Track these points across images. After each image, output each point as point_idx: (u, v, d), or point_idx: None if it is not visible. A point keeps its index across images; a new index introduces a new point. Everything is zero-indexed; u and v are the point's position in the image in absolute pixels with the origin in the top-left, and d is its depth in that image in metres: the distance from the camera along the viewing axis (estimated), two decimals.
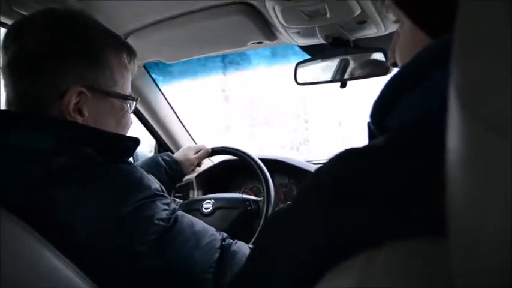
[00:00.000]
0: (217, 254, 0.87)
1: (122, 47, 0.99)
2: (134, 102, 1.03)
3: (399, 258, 0.33)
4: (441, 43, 0.47)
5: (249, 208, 1.54)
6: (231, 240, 0.93)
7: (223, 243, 0.90)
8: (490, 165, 0.21)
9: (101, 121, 0.94)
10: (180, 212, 0.89)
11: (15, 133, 0.85)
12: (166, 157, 1.51)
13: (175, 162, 1.52)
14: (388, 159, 0.41)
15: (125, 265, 0.80)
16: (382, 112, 0.51)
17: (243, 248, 0.93)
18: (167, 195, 0.91)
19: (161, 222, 0.83)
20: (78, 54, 0.90)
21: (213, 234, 0.91)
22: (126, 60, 0.99)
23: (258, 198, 1.59)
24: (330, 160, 0.46)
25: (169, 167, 1.48)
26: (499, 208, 0.20)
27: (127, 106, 1.01)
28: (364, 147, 0.46)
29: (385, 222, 0.36)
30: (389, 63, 0.72)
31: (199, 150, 1.63)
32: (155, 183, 0.89)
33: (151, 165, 1.46)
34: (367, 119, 0.55)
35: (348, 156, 0.45)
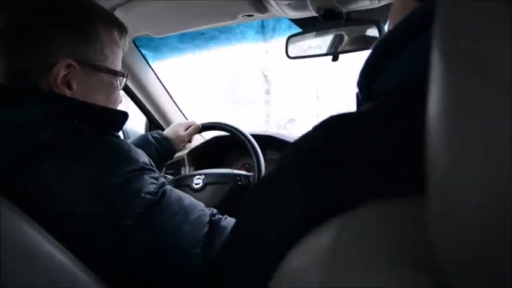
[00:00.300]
0: (206, 229, 0.87)
1: (113, 23, 0.98)
2: (124, 79, 1.03)
3: (375, 219, 0.32)
4: (428, 5, 0.45)
5: (239, 183, 1.53)
6: (220, 216, 0.93)
7: (213, 218, 0.90)
8: (471, 111, 0.20)
9: (89, 95, 0.93)
10: (168, 187, 0.89)
11: (4, 106, 0.84)
12: (156, 134, 1.50)
13: (165, 139, 1.50)
14: (373, 122, 0.40)
15: (112, 239, 0.80)
16: (369, 78, 0.49)
17: (232, 222, 0.92)
18: (155, 169, 0.91)
19: (148, 196, 0.83)
20: (68, 27, 0.90)
21: (202, 209, 0.91)
22: (117, 37, 0.99)
23: (249, 173, 1.59)
24: (313, 127, 0.45)
25: (159, 144, 1.46)
26: (479, 156, 0.20)
27: (117, 82, 1.00)
28: (348, 113, 0.45)
29: (364, 186, 0.35)
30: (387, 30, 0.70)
31: (190, 127, 1.61)
32: (143, 157, 0.90)
33: (141, 143, 1.44)
34: (355, 88, 0.53)
35: (328, 124, 0.44)
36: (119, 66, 1.01)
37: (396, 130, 0.37)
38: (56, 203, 0.79)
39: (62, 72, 0.88)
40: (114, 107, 1.01)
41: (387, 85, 0.47)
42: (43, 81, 0.88)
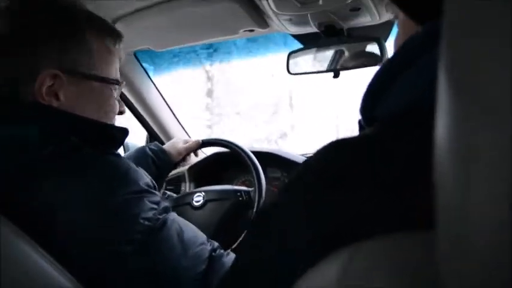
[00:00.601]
0: (204, 266, 0.85)
1: (104, 30, 0.96)
2: (118, 87, 0.99)
3: (381, 253, 0.32)
4: (428, 28, 0.46)
5: (240, 199, 1.52)
6: (222, 251, 0.90)
7: (213, 253, 0.88)
8: (479, 146, 0.20)
9: (79, 106, 0.90)
10: (171, 216, 0.86)
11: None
12: (153, 147, 1.48)
13: (163, 151, 1.48)
14: (376, 146, 0.41)
15: (110, 263, 0.78)
16: (371, 103, 0.50)
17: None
18: (156, 192, 0.88)
19: (147, 222, 0.80)
20: (54, 36, 0.87)
21: (203, 243, 0.88)
22: (110, 43, 0.96)
23: (249, 189, 1.58)
24: (315, 153, 0.46)
25: (156, 157, 1.44)
26: (487, 189, 0.20)
27: (110, 91, 0.96)
28: (351, 137, 0.45)
29: (369, 215, 0.35)
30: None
31: (189, 142, 1.60)
32: (144, 178, 0.87)
33: (138, 155, 1.43)
34: (358, 114, 0.54)
35: (331, 148, 0.45)
36: (112, 74, 0.97)
37: (398, 154, 0.38)
38: (55, 222, 0.77)
39: (47, 83, 0.86)
40: (108, 117, 0.97)
41: (389, 108, 0.47)
42: (28, 91, 0.86)
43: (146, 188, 0.85)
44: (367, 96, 0.50)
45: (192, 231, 0.89)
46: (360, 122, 0.54)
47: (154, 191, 0.87)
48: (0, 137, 0.82)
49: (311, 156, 0.46)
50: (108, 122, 0.97)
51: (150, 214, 0.81)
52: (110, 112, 0.98)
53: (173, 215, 0.88)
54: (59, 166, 0.81)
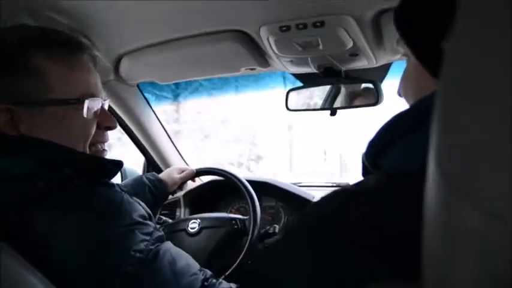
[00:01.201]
0: None
1: (57, 46, 0.88)
2: (86, 102, 0.90)
3: None
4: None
5: (235, 227, 1.52)
6: (214, 281, 0.90)
7: (205, 283, 0.87)
8: (463, 235, 0.22)
9: (46, 134, 0.86)
10: (164, 246, 0.86)
11: None
12: (150, 176, 1.51)
13: (160, 181, 1.51)
14: (380, 206, 0.43)
15: None
16: (377, 152, 0.52)
17: None
18: (150, 223, 0.87)
19: (138, 254, 0.80)
20: None
21: (195, 273, 0.88)
22: (67, 59, 0.89)
23: (244, 217, 1.59)
24: (321, 200, 0.48)
25: (153, 186, 1.47)
26: (469, 273, 0.22)
27: (75, 110, 0.89)
28: (356, 189, 0.47)
29: (373, 267, 0.38)
30: (396, 93, 0.72)
31: (184, 171, 1.63)
32: (138, 210, 0.86)
33: (135, 184, 1.45)
34: (363, 154, 0.56)
35: (339, 199, 0.47)
36: (77, 91, 0.89)
37: (396, 214, 0.40)
38: (50, 251, 0.77)
39: (4, 118, 0.84)
40: (82, 140, 0.92)
41: (391, 164, 0.50)
42: None
43: (139, 219, 0.84)
44: (372, 146, 0.53)
45: (185, 261, 0.88)
46: (362, 159, 0.56)
47: (147, 222, 0.86)
48: None
49: (318, 203, 0.48)
50: (85, 144, 0.92)
51: (142, 246, 0.81)
52: (84, 134, 0.92)
53: (166, 245, 0.87)
54: (53, 198, 0.80)
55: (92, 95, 0.92)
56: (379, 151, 0.52)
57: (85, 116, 0.90)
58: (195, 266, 0.90)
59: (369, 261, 0.38)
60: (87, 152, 0.93)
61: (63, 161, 0.85)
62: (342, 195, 0.47)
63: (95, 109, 0.94)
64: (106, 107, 0.99)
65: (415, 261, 0.32)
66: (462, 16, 0.25)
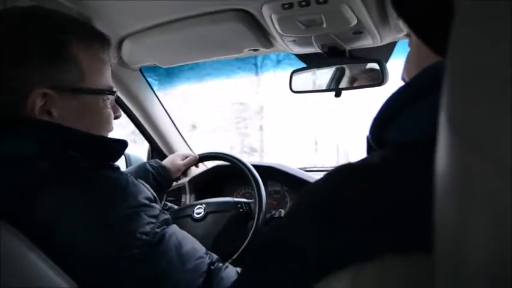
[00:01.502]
0: (202, 279, 0.85)
1: (92, 39, 0.93)
2: (112, 96, 0.98)
3: (388, 272, 0.34)
4: (439, 66, 0.47)
5: (241, 210, 1.53)
6: (221, 264, 0.90)
7: (212, 267, 0.88)
8: (476, 192, 0.21)
9: (73, 121, 0.89)
10: (170, 229, 0.86)
11: None
12: (153, 163, 1.51)
13: (163, 168, 1.52)
14: (383, 178, 0.42)
15: (109, 277, 0.78)
16: (381, 127, 0.52)
17: (232, 273, 0.90)
18: (156, 205, 0.87)
19: (144, 236, 0.80)
20: (37, 55, 0.86)
21: (201, 256, 0.88)
22: (99, 52, 0.94)
23: (249, 200, 1.59)
24: (324, 176, 0.47)
25: (157, 173, 1.48)
26: (482, 232, 0.21)
27: (102, 102, 0.95)
28: (359, 164, 0.47)
29: (376, 241, 0.37)
30: (401, 78, 0.71)
31: (187, 157, 1.64)
32: (143, 192, 0.86)
33: (139, 171, 1.45)
34: (366, 133, 0.56)
35: (342, 175, 0.46)
36: (104, 83, 0.95)
37: (404, 186, 0.39)
38: (55, 233, 0.77)
39: (39, 103, 0.85)
40: (104, 129, 0.97)
41: (397, 136, 0.49)
42: (22, 111, 0.85)
43: (145, 202, 0.84)
44: (376, 122, 0.52)
45: (191, 244, 0.88)
46: (367, 139, 0.56)
47: (153, 204, 0.86)
48: (1, 150, 0.83)
49: (320, 179, 0.47)
50: (104, 133, 0.97)
51: (147, 228, 0.81)
52: (106, 123, 0.97)
53: (172, 228, 0.87)
54: (57, 180, 0.81)
55: (112, 88, 0.98)
56: (383, 126, 0.52)
57: (108, 106, 0.97)
58: (201, 249, 0.90)
59: (371, 237, 0.37)
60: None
61: (68, 141, 0.86)
62: (344, 170, 0.46)
63: (114, 100, 1.00)
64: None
65: (421, 231, 0.32)
66: None
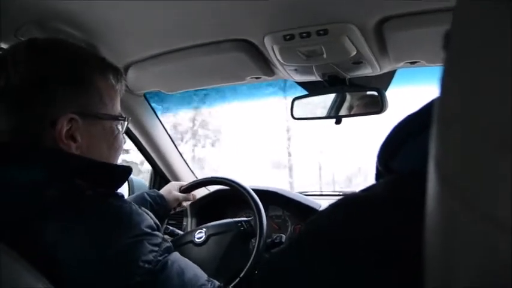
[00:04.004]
0: None
1: (108, 69, 0.98)
2: (125, 123, 1.03)
3: None
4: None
5: (241, 229, 1.51)
6: None
7: None
8: (462, 238, 0.22)
9: (94, 145, 0.93)
10: (172, 257, 0.87)
11: (6, 166, 0.84)
12: (151, 192, 1.53)
13: (161, 196, 1.53)
14: (387, 215, 0.42)
15: None
16: (388, 155, 0.52)
17: None
18: (158, 234, 0.88)
19: (146, 265, 0.81)
20: (64, 82, 0.89)
21: (203, 284, 0.89)
22: (113, 81, 0.99)
23: (250, 218, 1.58)
24: (328, 209, 0.48)
25: (154, 202, 1.49)
26: (466, 276, 0.22)
27: (118, 127, 1.00)
28: (363, 196, 0.47)
29: (381, 278, 0.37)
30: None
31: (182, 186, 1.66)
32: (146, 220, 0.87)
33: (137, 200, 1.46)
34: (375, 159, 0.56)
35: (346, 209, 0.46)
36: (117, 110, 1.01)
37: (408, 221, 0.39)
38: (58, 262, 0.77)
39: (65, 127, 0.87)
40: (117, 153, 1.01)
41: (400, 166, 0.49)
42: (47, 137, 0.87)
43: (147, 230, 0.85)
44: (383, 150, 0.52)
45: (193, 271, 0.89)
46: (376, 166, 0.55)
47: (156, 233, 0.87)
48: (8, 179, 0.83)
49: (325, 212, 0.48)
50: (116, 159, 1.01)
51: (150, 257, 0.82)
52: (119, 149, 1.02)
53: (174, 256, 0.88)
54: (62, 208, 0.81)
55: (122, 114, 1.03)
56: (391, 153, 0.52)
57: (122, 132, 1.02)
58: (203, 276, 0.91)
59: (376, 275, 0.38)
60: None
61: (76, 170, 0.86)
62: (348, 204, 0.47)
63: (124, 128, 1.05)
64: None
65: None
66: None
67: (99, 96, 0.94)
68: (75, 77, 0.91)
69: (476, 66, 0.23)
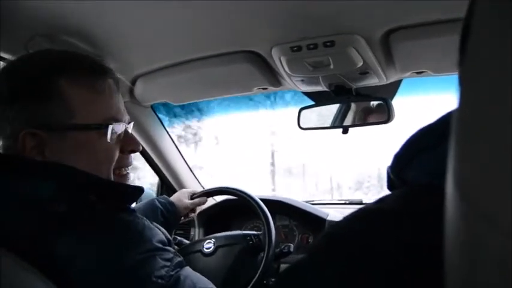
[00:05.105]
0: None
1: (85, 71, 0.90)
2: (109, 127, 0.91)
3: None
4: None
5: (250, 243, 1.51)
6: None
7: None
8: (482, 258, 0.22)
9: (67, 159, 0.86)
10: (184, 272, 0.86)
11: (15, 179, 0.83)
12: (162, 199, 1.51)
13: (171, 203, 1.52)
14: (397, 226, 0.42)
15: None
16: (401, 166, 0.52)
17: None
18: (169, 249, 0.88)
19: (159, 280, 0.80)
20: (22, 95, 0.86)
21: None
22: (94, 84, 0.90)
23: (259, 232, 1.58)
24: (345, 220, 0.47)
25: (165, 209, 1.48)
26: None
27: (98, 135, 0.90)
28: (375, 209, 0.47)
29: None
30: None
31: (193, 194, 1.64)
32: (158, 235, 0.87)
33: (148, 207, 1.46)
34: (388, 167, 0.55)
35: (362, 218, 0.46)
36: (100, 115, 0.90)
37: (421, 235, 0.39)
38: (70, 277, 0.77)
39: (30, 143, 0.85)
40: (103, 167, 0.92)
41: (413, 178, 0.49)
42: (18, 152, 0.86)
43: (159, 245, 0.85)
44: (396, 160, 0.52)
45: (205, 286, 0.89)
46: (388, 172, 0.55)
47: (167, 248, 0.87)
48: (20, 193, 0.83)
49: (343, 222, 0.47)
50: (105, 173, 0.92)
51: (162, 272, 0.81)
52: (104, 160, 0.93)
53: (186, 270, 0.87)
54: (74, 223, 0.81)
55: (116, 120, 0.93)
56: (404, 164, 0.51)
57: (109, 140, 0.91)
58: None
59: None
60: (111, 176, 0.94)
61: (86, 186, 0.85)
62: (363, 215, 0.46)
63: (118, 133, 0.95)
64: (130, 130, 1.00)
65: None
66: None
67: (65, 106, 0.87)
68: (34, 88, 0.86)
69: (498, 75, 0.22)
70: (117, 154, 0.95)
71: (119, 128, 0.94)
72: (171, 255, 0.86)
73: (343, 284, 0.40)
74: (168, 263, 0.84)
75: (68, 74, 0.88)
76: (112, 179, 0.95)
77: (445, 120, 0.49)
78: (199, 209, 1.93)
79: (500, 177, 0.20)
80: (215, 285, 0.95)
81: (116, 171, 0.96)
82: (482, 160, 0.22)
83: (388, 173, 0.55)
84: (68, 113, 0.87)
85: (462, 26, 0.27)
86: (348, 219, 0.47)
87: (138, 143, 1.01)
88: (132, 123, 1.02)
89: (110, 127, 0.91)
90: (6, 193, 0.83)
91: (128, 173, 1.01)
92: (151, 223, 0.90)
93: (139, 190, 0.93)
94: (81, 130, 0.88)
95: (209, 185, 1.73)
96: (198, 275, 0.91)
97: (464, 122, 0.24)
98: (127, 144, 0.98)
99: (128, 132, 0.99)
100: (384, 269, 0.39)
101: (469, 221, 0.23)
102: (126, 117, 0.98)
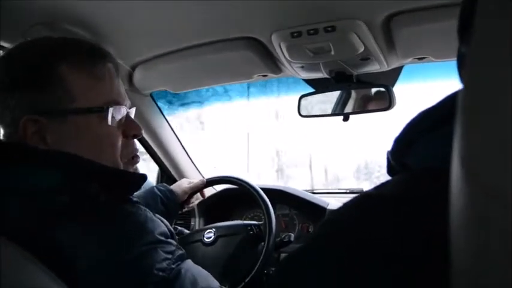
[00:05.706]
0: None
1: (83, 56, 0.90)
2: (110, 110, 0.91)
3: None
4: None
5: (251, 233, 1.52)
6: None
7: None
8: (491, 235, 0.22)
9: (70, 145, 0.86)
10: (185, 265, 0.86)
11: (18, 168, 0.83)
12: (161, 187, 1.51)
13: (171, 191, 1.51)
14: (397, 212, 0.41)
15: None
16: (401, 151, 0.51)
17: None
18: (171, 241, 0.87)
19: (160, 273, 0.80)
20: (21, 84, 0.86)
21: None
22: (93, 68, 0.90)
23: (259, 222, 1.59)
24: (345, 207, 0.47)
25: (165, 197, 1.47)
26: (499, 277, 0.21)
27: (99, 119, 0.90)
28: (375, 194, 0.46)
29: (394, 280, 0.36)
30: None
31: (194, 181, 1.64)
32: (160, 227, 0.87)
33: (147, 196, 1.45)
34: (388, 152, 0.54)
35: (360, 205, 0.46)
36: (101, 99, 0.90)
37: (422, 220, 0.38)
38: (72, 267, 0.77)
39: (31, 129, 0.85)
40: (107, 152, 0.92)
41: (418, 161, 0.48)
42: (19, 140, 0.86)
43: (161, 238, 0.85)
44: (396, 144, 0.51)
45: (205, 280, 0.88)
46: (387, 157, 0.54)
47: (169, 240, 0.87)
48: (22, 180, 0.82)
49: (344, 208, 0.47)
50: (108, 159, 0.91)
51: (164, 264, 0.81)
52: (107, 145, 0.92)
53: (187, 264, 0.87)
54: (77, 215, 0.80)
55: (116, 103, 0.93)
56: (402, 150, 0.51)
57: (109, 123, 0.91)
58: (215, 284, 0.91)
59: (390, 277, 0.37)
60: (118, 163, 0.93)
61: (89, 175, 0.85)
62: (366, 201, 0.46)
63: (120, 117, 0.94)
64: (132, 115, 0.99)
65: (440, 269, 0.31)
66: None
67: (65, 91, 0.86)
68: (34, 74, 0.86)
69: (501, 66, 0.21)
70: (120, 139, 0.94)
71: (120, 111, 0.94)
72: (173, 247, 0.86)
73: (342, 271, 0.40)
74: (170, 256, 0.84)
75: (68, 60, 0.88)
76: (121, 166, 0.94)
77: (445, 104, 0.48)
78: (199, 199, 1.93)
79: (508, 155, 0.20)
80: (216, 275, 0.95)
81: (123, 160, 0.95)
82: (490, 136, 0.21)
83: (387, 158, 0.55)
84: (69, 98, 0.87)
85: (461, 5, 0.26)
86: (347, 206, 0.47)
87: (139, 127, 1.00)
88: (134, 108, 1.00)
89: (110, 110, 0.91)
90: (8, 182, 0.82)
91: (136, 155, 1.00)
92: (154, 215, 0.89)
93: (143, 178, 0.93)
94: (82, 114, 0.88)
95: (210, 176, 1.72)
96: (199, 268, 0.91)
97: (471, 98, 0.24)
98: (129, 129, 0.97)
99: (129, 116, 0.98)
100: (382, 256, 0.38)
101: (475, 198, 0.23)
102: (128, 102, 0.97)
